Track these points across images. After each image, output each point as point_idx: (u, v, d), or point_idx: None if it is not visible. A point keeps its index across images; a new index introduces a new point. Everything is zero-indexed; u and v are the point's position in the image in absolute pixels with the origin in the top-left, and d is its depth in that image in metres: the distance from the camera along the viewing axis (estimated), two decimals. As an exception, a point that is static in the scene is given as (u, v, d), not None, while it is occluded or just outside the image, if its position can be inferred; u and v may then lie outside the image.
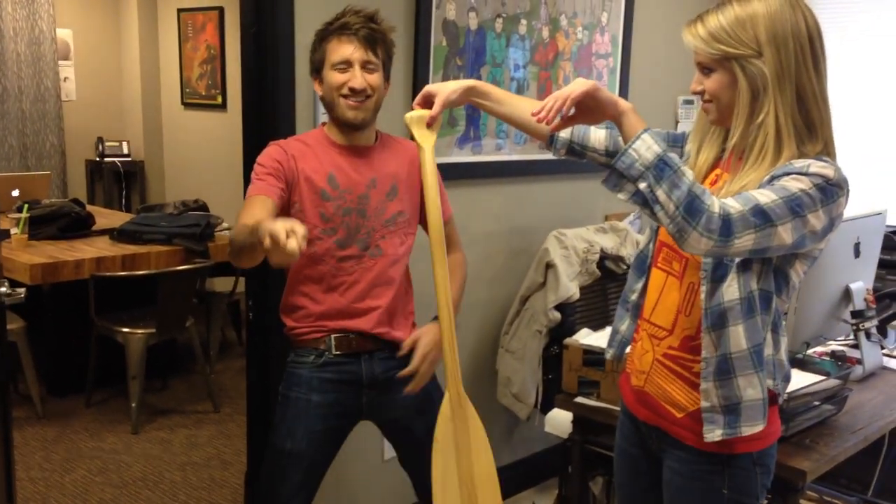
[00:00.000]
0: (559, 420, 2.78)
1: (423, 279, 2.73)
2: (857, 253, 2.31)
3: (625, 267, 3.13)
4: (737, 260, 1.45)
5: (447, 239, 2.01)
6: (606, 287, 3.15)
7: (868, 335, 2.39)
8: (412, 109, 1.73)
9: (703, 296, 1.49)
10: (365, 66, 1.90)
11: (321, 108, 2.44)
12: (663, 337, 1.59)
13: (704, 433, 1.52)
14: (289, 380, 2.01)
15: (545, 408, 2.94)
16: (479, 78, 2.83)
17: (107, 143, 6.29)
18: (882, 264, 2.57)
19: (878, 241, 2.44)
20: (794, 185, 1.38)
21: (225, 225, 4.24)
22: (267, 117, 2.40)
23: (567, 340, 2.46)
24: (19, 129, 6.05)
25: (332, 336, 1.97)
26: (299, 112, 2.42)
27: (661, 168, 1.33)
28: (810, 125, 1.45)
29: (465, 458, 1.83)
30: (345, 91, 1.89)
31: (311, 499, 2.04)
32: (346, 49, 1.89)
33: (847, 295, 2.32)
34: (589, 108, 1.46)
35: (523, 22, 2.97)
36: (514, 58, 2.97)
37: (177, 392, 4.27)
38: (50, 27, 6.10)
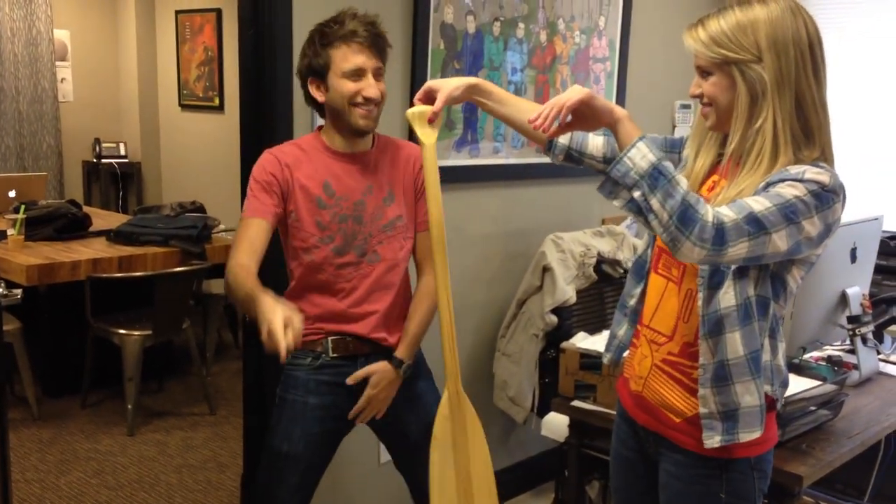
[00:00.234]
0: (556, 424, 2.78)
1: (413, 280, 2.73)
2: (853, 258, 2.31)
3: (622, 271, 3.13)
4: (733, 267, 1.46)
5: (426, 252, 2.02)
6: (603, 291, 3.16)
7: (864, 340, 2.40)
8: (413, 105, 1.72)
9: (700, 302, 1.50)
10: (376, 73, 1.90)
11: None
12: (663, 343, 1.59)
13: (704, 439, 1.52)
14: (286, 382, 2.01)
15: (542, 411, 2.94)
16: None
17: (104, 145, 6.28)
18: (878, 269, 2.58)
19: (874, 247, 2.45)
20: (789, 191, 1.39)
21: (222, 227, 4.24)
22: (264, 119, 2.40)
23: (564, 344, 2.46)
24: (16, 130, 6.04)
25: (329, 339, 1.97)
26: (297, 114, 2.42)
27: (655, 177, 1.34)
28: (808, 132, 1.46)
29: (462, 455, 1.85)
30: (358, 100, 1.88)
31: (307, 501, 2.04)
32: (358, 58, 1.87)
33: (843, 300, 2.33)
34: (585, 116, 1.47)
35: (521, 26, 2.97)
36: (512, 61, 2.97)
37: (173, 394, 4.26)
38: (47, 28, 6.09)
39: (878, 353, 2.53)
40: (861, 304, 2.37)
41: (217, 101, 5.82)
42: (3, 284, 2.06)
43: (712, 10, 1.50)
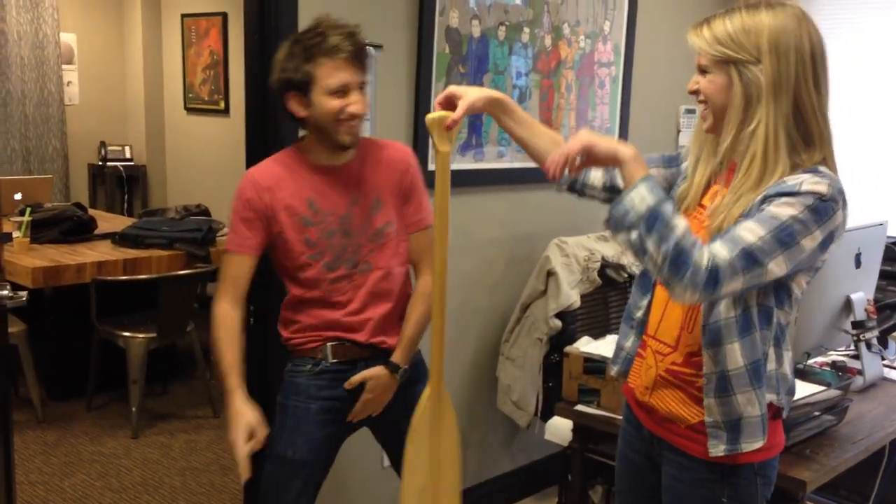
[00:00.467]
0: (559, 428, 2.78)
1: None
2: (858, 263, 2.31)
3: (626, 275, 3.13)
4: None
5: (422, 255, 2.02)
6: (607, 295, 3.15)
7: (869, 346, 2.40)
8: (434, 110, 1.66)
9: (703, 311, 1.51)
10: (360, 87, 1.87)
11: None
12: (667, 353, 1.60)
13: (709, 448, 1.53)
14: (286, 389, 2.02)
15: (545, 416, 2.93)
16: (480, 86, 2.84)
17: (109, 148, 6.30)
18: (883, 275, 2.57)
19: (879, 252, 2.45)
20: (785, 211, 1.38)
21: (226, 230, 4.24)
22: (269, 123, 2.41)
23: (567, 348, 2.46)
24: (22, 133, 6.06)
25: (329, 345, 1.97)
26: (302, 118, 2.42)
27: (652, 220, 1.37)
28: (808, 138, 1.46)
29: (435, 445, 1.86)
30: (344, 116, 1.85)
31: None
32: (343, 74, 1.83)
33: (848, 305, 2.33)
34: (591, 158, 1.49)
35: (526, 30, 2.98)
36: (517, 66, 2.97)
37: (177, 397, 4.27)
38: (54, 31, 6.12)
39: (883, 358, 2.53)
40: (865, 310, 2.37)
41: (222, 105, 5.84)
42: (8, 287, 2.06)
43: (718, 11, 1.51)
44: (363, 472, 2.77)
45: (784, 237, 1.37)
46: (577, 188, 1.76)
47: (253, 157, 2.43)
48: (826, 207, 1.40)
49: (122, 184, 6.30)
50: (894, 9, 3.64)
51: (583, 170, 1.65)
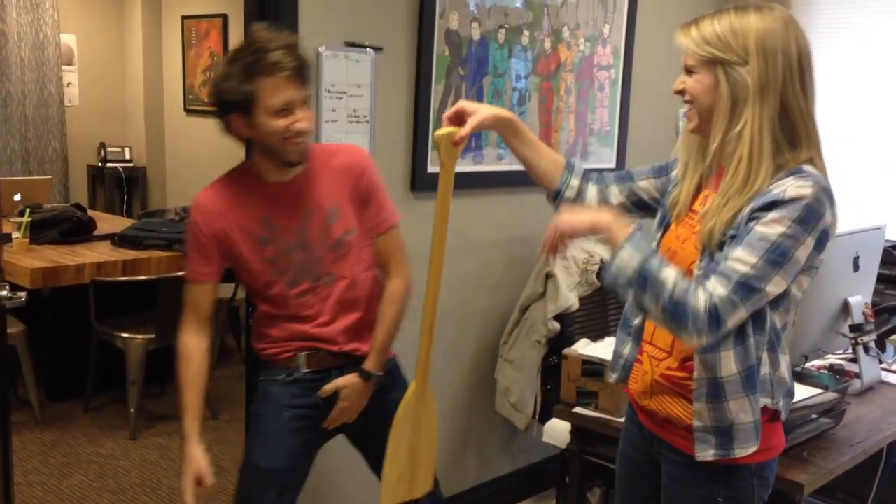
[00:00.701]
0: (557, 430, 2.79)
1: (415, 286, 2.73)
2: (856, 267, 2.32)
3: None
4: None
5: (389, 257, 2.01)
6: (606, 298, 3.16)
7: (866, 349, 2.40)
8: (443, 125, 1.67)
9: None
10: (303, 102, 1.82)
11: (326, 115, 2.46)
12: (663, 358, 1.61)
13: (696, 452, 1.54)
14: (260, 398, 1.99)
15: (543, 418, 2.94)
16: (480, 88, 2.85)
17: (109, 149, 6.31)
18: (881, 279, 2.58)
19: (877, 256, 2.45)
20: (773, 230, 1.40)
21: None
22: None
23: (566, 351, 2.46)
24: (22, 134, 6.06)
25: (302, 354, 1.96)
26: (302, 120, 2.42)
27: (642, 280, 1.41)
28: (794, 139, 1.47)
29: (415, 436, 1.92)
30: (290, 135, 1.79)
31: None
32: (286, 92, 1.76)
33: (846, 309, 2.33)
34: (574, 235, 1.55)
35: (526, 33, 2.99)
36: (517, 68, 2.98)
37: (175, 398, 4.24)
38: (54, 32, 6.12)
39: (881, 362, 2.53)
40: (863, 313, 2.38)
41: (222, 107, 5.84)
42: (7, 287, 2.07)
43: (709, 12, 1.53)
44: (361, 477, 2.76)
45: (776, 258, 1.40)
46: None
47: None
48: (813, 212, 1.40)
49: (121, 185, 6.30)
50: (895, 13, 3.66)
51: (580, 191, 1.73)
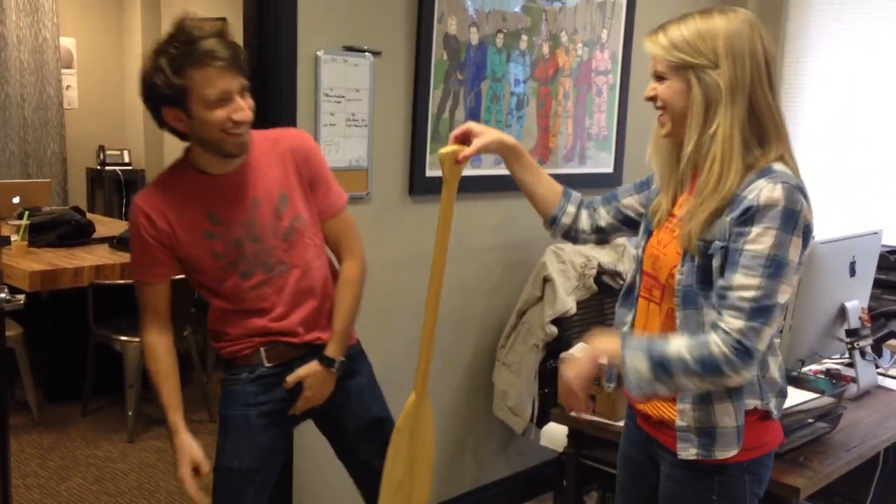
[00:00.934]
0: (555, 434, 2.79)
1: (412, 289, 2.74)
2: (852, 272, 2.32)
3: (622, 282, 3.14)
4: (713, 298, 1.49)
5: (340, 240, 1.97)
6: (603, 302, 3.16)
7: (863, 354, 2.41)
8: (448, 144, 1.73)
9: (680, 322, 1.54)
10: (242, 92, 1.74)
11: (324, 119, 2.47)
12: None
13: (679, 451, 1.57)
14: (225, 399, 1.96)
15: (541, 421, 2.94)
16: (478, 92, 2.86)
17: (108, 152, 6.32)
18: (877, 284, 2.58)
19: (873, 261, 2.46)
20: (763, 245, 1.43)
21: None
22: (267, 128, 2.42)
23: (563, 354, 2.47)
24: (21, 137, 6.07)
25: (262, 349, 1.91)
26: (301, 124, 2.43)
27: (662, 370, 1.45)
28: (763, 138, 1.50)
29: (413, 446, 1.94)
30: (229, 126, 1.72)
31: None
32: (221, 82, 1.68)
33: (842, 313, 2.34)
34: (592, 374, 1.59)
35: (524, 37, 2.99)
36: (515, 73, 2.99)
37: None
38: (53, 35, 6.13)
39: (877, 366, 2.53)
40: (860, 318, 2.38)
41: (221, 110, 5.84)
42: (6, 290, 2.07)
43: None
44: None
45: (774, 270, 1.42)
46: (571, 235, 1.83)
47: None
48: (791, 213, 1.43)
49: (120, 188, 6.31)
50: (893, 17, 3.67)
51: (576, 217, 1.79)
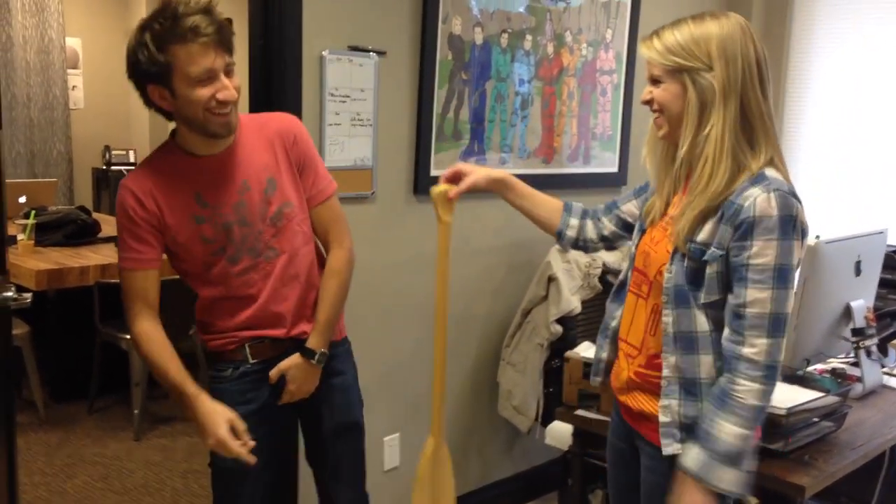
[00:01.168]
0: (560, 432, 2.79)
1: (416, 289, 2.75)
2: (857, 271, 2.32)
3: (627, 281, 3.15)
4: (702, 300, 1.54)
5: (328, 228, 1.92)
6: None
7: (868, 353, 2.40)
8: (440, 184, 1.81)
9: (668, 319, 1.57)
10: (227, 70, 1.70)
11: (329, 119, 2.48)
12: (635, 356, 1.68)
13: (663, 446, 1.59)
14: (212, 397, 1.86)
15: (546, 420, 2.94)
16: (483, 92, 2.87)
17: (113, 152, 6.34)
18: (883, 283, 2.58)
19: (878, 260, 2.45)
20: (768, 257, 1.47)
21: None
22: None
23: (568, 353, 2.47)
24: (27, 137, 6.10)
25: (247, 346, 1.88)
26: (305, 123, 2.43)
27: (742, 459, 1.50)
28: (752, 140, 1.54)
29: (434, 491, 1.94)
30: (213, 105, 1.68)
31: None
32: (205, 59, 1.64)
33: (848, 313, 2.34)
34: None
35: (528, 37, 3.00)
36: (519, 73, 2.99)
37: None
38: (59, 36, 6.16)
39: (882, 366, 2.53)
40: (865, 318, 2.38)
41: (226, 110, 5.86)
42: (13, 288, 2.08)
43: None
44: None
45: (783, 278, 1.48)
46: (580, 245, 1.89)
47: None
48: (788, 220, 1.48)
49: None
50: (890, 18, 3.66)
51: (580, 228, 1.86)
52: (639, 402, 1.66)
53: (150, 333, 1.80)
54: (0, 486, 2.06)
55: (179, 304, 3.83)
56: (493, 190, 1.86)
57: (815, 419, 2.08)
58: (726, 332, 1.52)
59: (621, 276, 1.79)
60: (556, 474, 3.16)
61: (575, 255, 3.04)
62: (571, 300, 2.94)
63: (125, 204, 1.77)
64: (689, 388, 1.56)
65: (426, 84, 2.69)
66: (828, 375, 2.38)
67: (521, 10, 2.95)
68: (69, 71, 6.28)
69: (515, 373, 3.02)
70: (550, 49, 3.09)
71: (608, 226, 1.86)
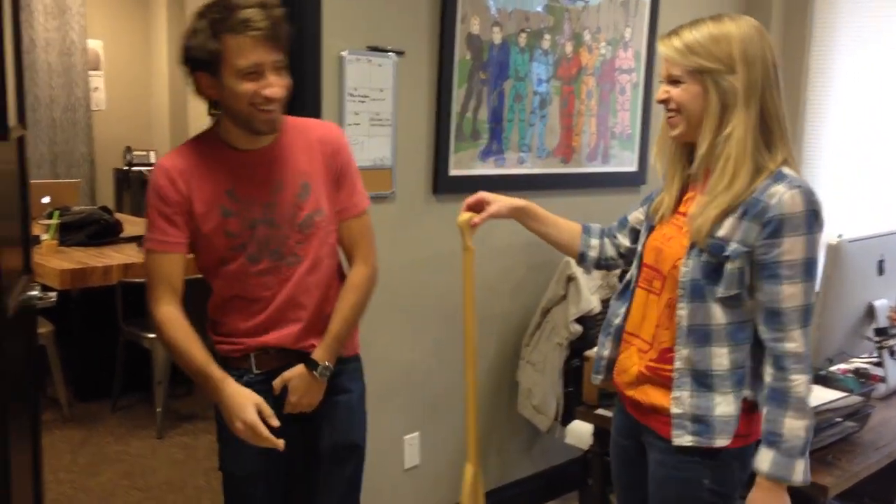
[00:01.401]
0: (580, 432, 2.79)
1: (435, 288, 2.75)
2: (880, 270, 2.30)
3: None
4: (720, 294, 1.55)
5: (356, 243, 1.89)
6: (628, 300, 3.16)
7: (892, 353, 2.38)
8: (462, 211, 1.86)
9: (683, 312, 1.58)
10: (276, 68, 1.67)
11: (349, 119, 2.49)
12: (647, 350, 1.68)
13: (673, 437, 1.60)
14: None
15: (565, 420, 2.94)
16: (501, 92, 2.87)
17: (135, 153, 6.39)
18: (906, 281, 2.55)
19: (902, 259, 2.43)
20: (798, 252, 1.50)
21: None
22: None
23: (587, 353, 2.47)
24: (50, 138, 6.17)
25: (253, 355, 1.83)
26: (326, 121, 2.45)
27: (800, 454, 1.53)
28: (769, 141, 1.55)
29: None
30: (258, 101, 1.66)
31: None
32: (254, 53, 1.63)
33: (871, 312, 2.32)
34: None
35: (547, 37, 3.00)
36: (538, 72, 2.99)
37: (201, 398, 4.30)
38: (81, 38, 6.22)
39: (906, 365, 2.51)
40: (888, 317, 2.36)
41: (246, 110, 5.89)
42: (38, 287, 2.11)
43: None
44: (384, 474, 2.79)
45: (810, 270, 1.52)
46: (603, 265, 1.94)
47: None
48: (813, 213, 1.51)
49: (146, 188, 6.37)
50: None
51: (600, 248, 1.90)
52: (649, 395, 1.67)
53: (173, 318, 1.75)
54: (25, 482, 2.09)
55: (202, 304, 3.88)
56: (514, 218, 1.89)
57: (838, 419, 2.07)
58: (764, 330, 1.54)
59: (627, 276, 1.80)
60: (575, 474, 3.15)
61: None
62: (591, 300, 2.94)
63: (158, 184, 1.75)
64: (702, 379, 1.58)
65: (445, 84, 2.70)
66: (851, 375, 2.36)
67: (540, 9, 2.95)
68: (91, 73, 6.34)
69: (535, 372, 3.03)
70: (569, 48, 3.09)
71: (623, 242, 1.89)
